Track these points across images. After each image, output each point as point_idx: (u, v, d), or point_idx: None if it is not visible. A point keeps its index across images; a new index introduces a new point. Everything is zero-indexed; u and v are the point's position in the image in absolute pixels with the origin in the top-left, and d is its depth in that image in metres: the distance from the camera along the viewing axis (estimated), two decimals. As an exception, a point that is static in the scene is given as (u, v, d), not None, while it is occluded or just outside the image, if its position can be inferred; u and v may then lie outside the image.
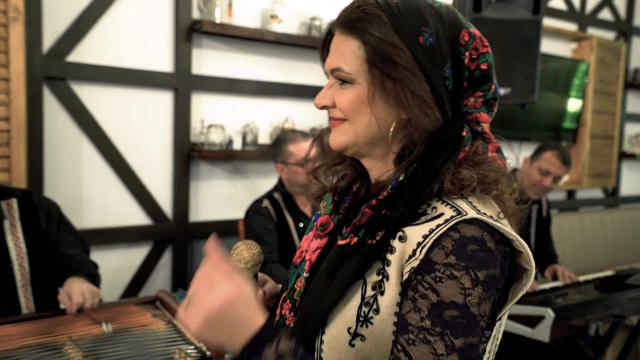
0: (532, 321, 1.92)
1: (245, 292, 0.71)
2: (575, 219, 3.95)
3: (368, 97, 0.79)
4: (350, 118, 0.82)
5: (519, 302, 2.09)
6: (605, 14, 4.50)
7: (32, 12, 2.31)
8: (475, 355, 0.70)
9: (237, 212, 2.92)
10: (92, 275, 1.74)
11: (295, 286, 0.87)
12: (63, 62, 2.44)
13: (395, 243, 0.76)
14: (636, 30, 4.69)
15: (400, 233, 0.76)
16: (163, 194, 2.75)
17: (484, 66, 0.80)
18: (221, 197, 2.91)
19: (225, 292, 0.69)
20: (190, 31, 2.72)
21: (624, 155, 4.65)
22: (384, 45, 0.77)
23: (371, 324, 0.76)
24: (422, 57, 0.76)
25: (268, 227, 2.34)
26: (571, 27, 4.26)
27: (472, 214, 0.74)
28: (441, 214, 0.75)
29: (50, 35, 2.41)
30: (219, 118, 2.85)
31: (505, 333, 2.17)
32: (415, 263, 0.74)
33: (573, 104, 4.21)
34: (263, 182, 3.01)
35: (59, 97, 2.46)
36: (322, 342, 0.79)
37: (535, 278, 2.68)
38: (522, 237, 0.78)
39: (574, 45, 4.32)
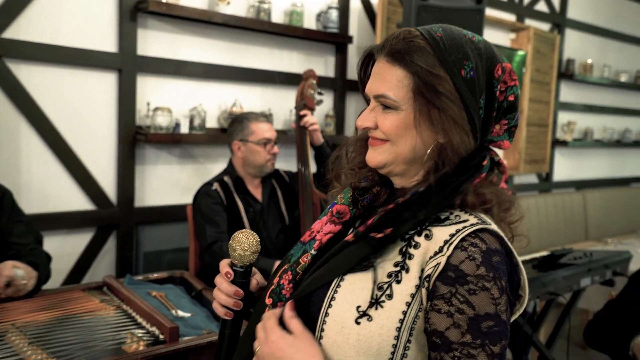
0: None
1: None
2: (512, 203, 4.13)
3: (414, 123, 0.86)
4: (393, 140, 0.88)
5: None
6: (541, 6, 4.69)
7: (-37, -16, 2.18)
8: (504, 352, 0.79)
9: (185, 197, 2.87)
10: (36, 263, 1.65)
11: (300, 260, 0.93)
12: (-2, 39, 2.32)
13: (421, 240, 0.83)
14: (569, 22, 4.91)
15: (426, 232, 0.83)
16: (107, 179, 2.67)
17: (511, 98, 0.87)
18: (168, 182, 2.86)
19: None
20: (135, 10, 2.63)
21: (556, 143, 4.88)
22: (431, 76, 0.83)
23: (381, 307, 0.81)
24: (463, 88, 0.84)
25: (217, 208, 2.32)
26: (510, 17, 4.41)
27: (494, 227, 0.82)
28: (466, 220, 0.83)
29: (-17, 10, 2.28)
30: (166, 101, 2.79)
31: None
32: (442, 259, 0.80)
33: (511, 93, 4.37)
34: (211, 167, 2.98)
35: (-6, 76, 2.34)
36: (327, 314, 0.84)
37: None
38: None
39: (512, 36, 4.48)
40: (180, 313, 1.53)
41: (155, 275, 1.90)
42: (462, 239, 0.79)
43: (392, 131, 0.87)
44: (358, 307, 0.82)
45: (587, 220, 4.73)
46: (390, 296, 0.81)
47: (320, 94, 2.64)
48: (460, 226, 0.81)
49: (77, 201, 2.59)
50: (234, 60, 3.01)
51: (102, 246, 2.68)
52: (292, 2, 3.23)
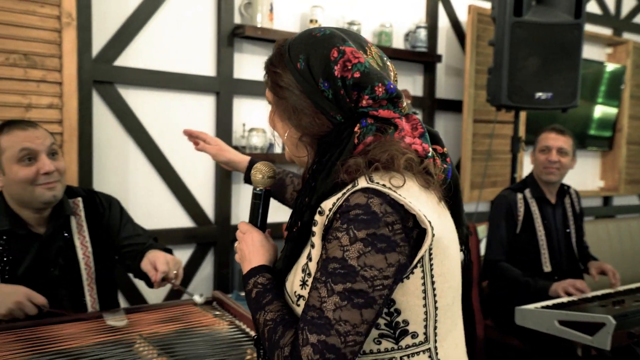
0: (592, 328, 1.88)
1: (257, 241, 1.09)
2: (611, 225, 3.89)
3: (276, 116, 1.03)
4: (277, 134, 1.06)
5: (575, 309, 2.06)
6: (640, 19, 4.45)
7: (83, 17, 2.35)
8: (358, 299, 0.85)
9: (279, 216, 2.91)
10: (170, 250, 1.71)
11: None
12: (111, 66, 2.48)
13: (317, 217, 0.92)
14: (671, 35, 4.63)
15: (319, 208, 0.92)
16: (206, 197, 2.77)
17: (356, 74, 0.94)
18: (262, 201, 2.91)
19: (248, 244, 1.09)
20: (232, 36, 2.74)
21: (659, 162, 4.57)
22: (274, 74, 1.00)
23: (307, 285, 0.94)
24: (299, 79, 0.97)
25: None
26: (606, 31, 4.22)
27: (362, 184, 0.89)
28: (343, 189, 0.91)
29: (99, 40, 2.45)
30: (260, 122, 2.86)
31: (560, 340, 2.14)
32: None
33: (602, 110, 4.15)
34: (303, 186, 3.01)
35: (107, 100, 2.49)
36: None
37: (582, 278, 2.62)
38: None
39: (609, 50, 4.28)
40: (290, 330, 1.53)
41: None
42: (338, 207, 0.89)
43: (270, 124, 1.06)
44: (295, 292, 0.96)
45: (698, 245, 4.37)
46: (309, 274, 0.93)
47: (415, 113, 2.62)
48: (335, 198, 0.90)
49: (179, 219, 2.70)
50: (325, 82, 3.04)
51: (201, 262, 2.77)
52: (380, 23, 3.25)
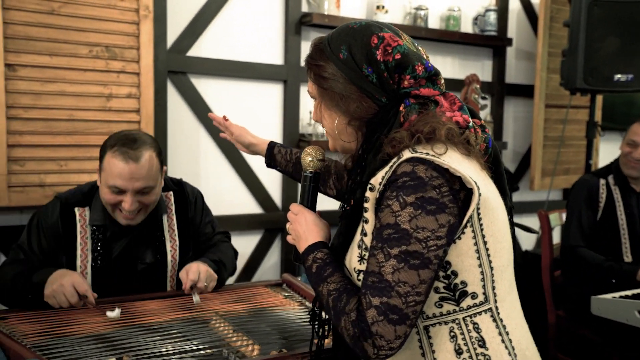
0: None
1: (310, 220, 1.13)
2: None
3: (323, 106, 1.09)
4: (322, 126, 1.13)
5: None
6: None
7: (159, 10, 2.45)
8: (414, 260, 0.90)
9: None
10: (216, 261, 1.74)
11: None
12: (184, 57, 2.57)
13: (368, 194, 0.97)
14: None
15: (369, 185, 0.97)
16: (273, 184, 2.83)
17: (397, 56, 1.01)
18: (328, 188, 2.94)
19: (302, 223, 1.13)
20: (299, 24, 2.77)
21: None
22: (317, 67, 1.06)
23: (365, 260, 0.97)
24: (343, 68, 1.04)
25: None
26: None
27: (406, 155, 0.94)
28: (391, 162, 0.96)
29: (174, 31, 2.55)
30: (326, 109, 2.88)
31: (637, 333, 2.05)
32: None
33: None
34: (368, 173, 3.02)
35: (180, 89, 2.59)
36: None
37: None
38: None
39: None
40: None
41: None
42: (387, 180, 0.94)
43: (316, 118, 1.13)
44: (354, 268, 1.00)
45: None
46: (366, 249, 0.97)
47: (484, 98, 2.57)
48: (383, 172, 0.95)
49: (248, 205, 2.77)
50: (391, 68, 3.03)
51: (268, 248, 2.84)
52: (448, 7, 3.18)
